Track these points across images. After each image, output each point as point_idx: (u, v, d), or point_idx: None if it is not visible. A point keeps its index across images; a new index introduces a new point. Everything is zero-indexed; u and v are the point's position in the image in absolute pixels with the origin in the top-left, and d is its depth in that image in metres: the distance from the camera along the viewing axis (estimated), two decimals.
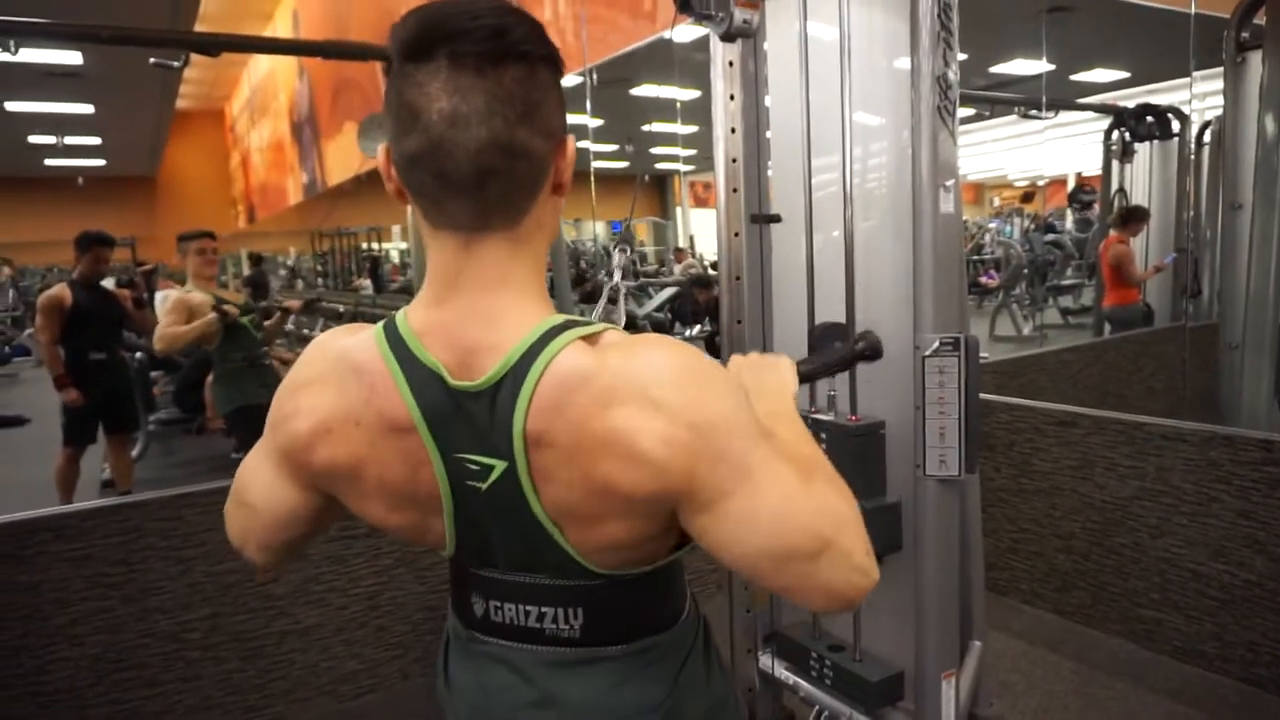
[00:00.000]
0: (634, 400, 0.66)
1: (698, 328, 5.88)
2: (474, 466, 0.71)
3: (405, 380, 0.71)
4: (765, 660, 1.79)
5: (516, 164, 0.68)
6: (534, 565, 0.76)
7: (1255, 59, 2.75)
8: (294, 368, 0.81)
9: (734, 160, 1.62)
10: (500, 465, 0.70)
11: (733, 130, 1.60)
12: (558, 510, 0.71)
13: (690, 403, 0.67)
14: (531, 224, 0.73)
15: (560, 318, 0.72)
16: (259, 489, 0.84)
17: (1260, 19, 2.76)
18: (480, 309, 0.71)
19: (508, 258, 0.72)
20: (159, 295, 3.82)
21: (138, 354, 5.37)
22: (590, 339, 0.70)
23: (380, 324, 0.75)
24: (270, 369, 3.88)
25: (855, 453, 1.52)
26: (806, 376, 1.13)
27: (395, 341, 0.72)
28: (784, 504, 0.68)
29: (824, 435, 1.56)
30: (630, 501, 0.69)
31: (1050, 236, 7.87)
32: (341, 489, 0.79)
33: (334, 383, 0.75)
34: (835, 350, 1.22)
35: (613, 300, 1.16)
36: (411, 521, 0.78)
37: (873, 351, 1.22)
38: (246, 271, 9.64)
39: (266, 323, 4.00)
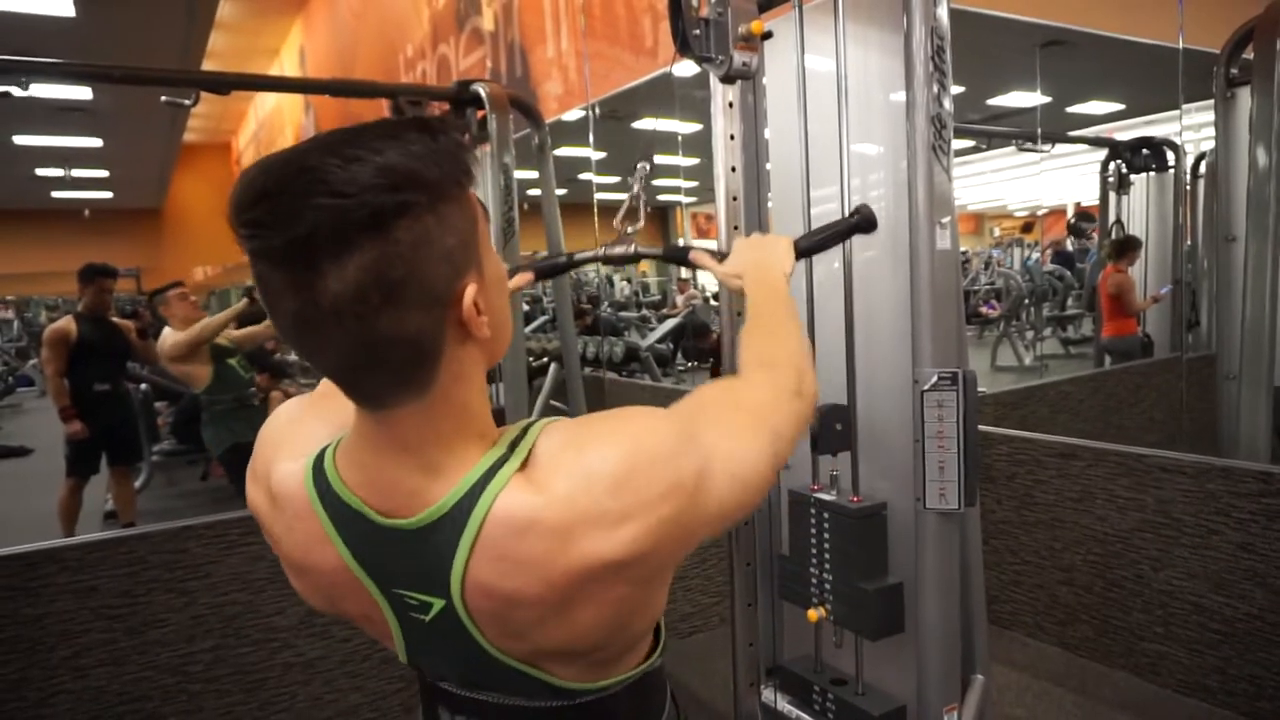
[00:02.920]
0: (595, 525, 0.62)
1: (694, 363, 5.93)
2: (413, 602, 0.68)
3: (330, 521, 0.68)
4: (768, 694, 1.79)
5: (389, 354, 0.60)
6: (492, 686, 0.72)
7: (1245, 94, 2.79)
8: (260, 434, 0.80)
9: (734, 198, 1.65)
10: (439, 603, 0.66)
11: (733, 169, 1.64)
12: (506, 643, 0.68)
13: (649, 487, 0.64)
14: (446, 384, 0.64)
15: (499, 450, 0.66)
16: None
17: (1249, 54, 2.81)
18: (410, 465, 0.66)
19: (427, 424, 0.65)
20: (165, 329, 3.85)
21: (142, 385, 5.40)
22: (525, 466, 0.65)
23: (311, 458, 0.71)
24: (259, 409, 3.90)
25: (857, 534, 1.53)
26: (804, 252, 1.20)
27: (321, 483, 0.69)
28: (747, 454, 0.73)
29: (826, 515, 1.58)
30: (629, 596, 0.67)
31: (1050, 266, 7.90)
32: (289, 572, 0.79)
33: (267, 492, 0.75)
34: (830, 225, 1.24)
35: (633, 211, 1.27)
36: (358, 621, 0.77)
37: (867, 224, 1.24)
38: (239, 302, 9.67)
39: (259, 378, 4.06)
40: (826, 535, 1.59)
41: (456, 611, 0.66)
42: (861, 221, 1.24)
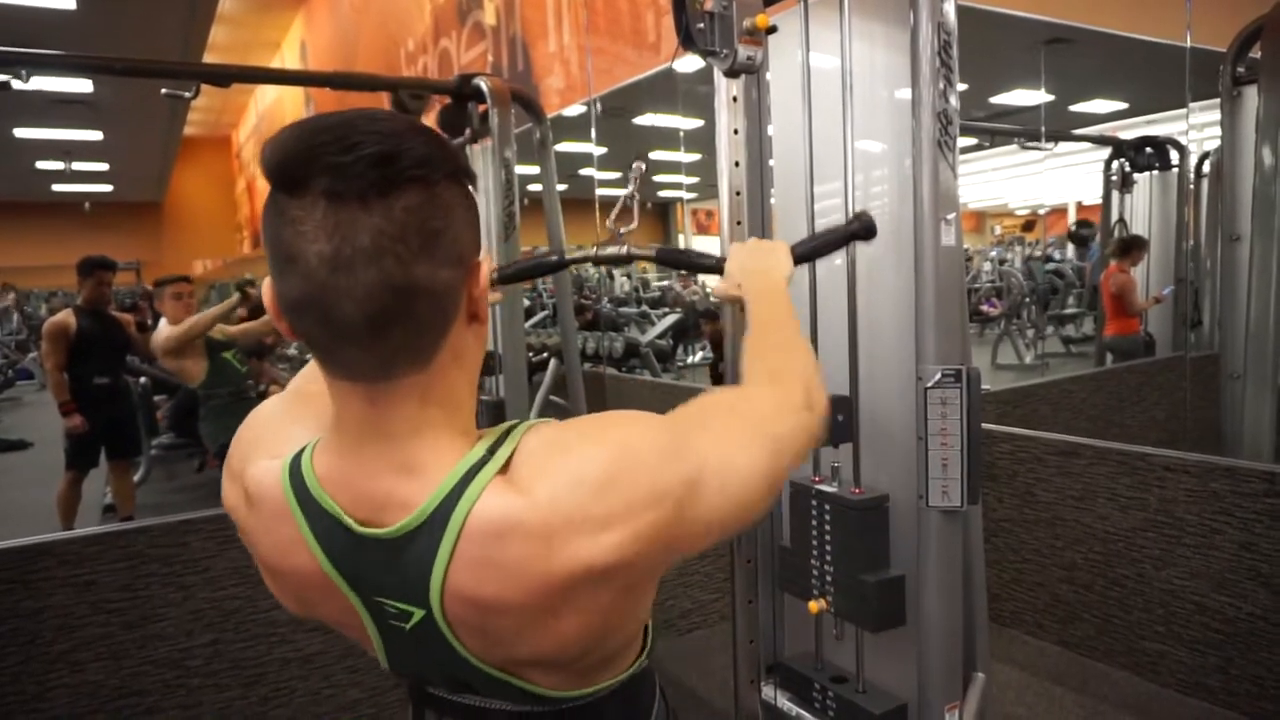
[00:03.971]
0: (578, 530, 0.61)
1: (700, 354, 5.91)
2: (393, 610, 0.66)
3: (308, 526, 0.66)
4: (768, 691, 1.78)
5: (416, 305, 0.60)
6: (478, 691, 0.71)
7: (1251, 92, 2.78)
8: (238, 435, 0.78)
9: (738, 193, 1.64)
10: (419, 612, 0.64)
11: (736, 164, 1.63)
12: (485, 651, 0.66)
13: (634, 492, 0.63)
14: (445, 361, 0.64)
15: (479, 451, 0.64)
16: None
17: (1256, 53, 2.80)
18: (392, 462, 0.64)
19: (418, 405, 0.64)
20: (162, 322, 3.85)
21: (141, 379, 5.39)
22: (506, 466, 0.64)
23: (287, 459, 0.69)
24: (255, 403, 3.90)
25: (859, 526, 1.53)
26: (802, 258, 1.18)
27: (298, 484, 0.67)
28: (744, 468, 0.71)
29: (828, 507, 1.57)
30: (613, 604, 0.65)
31: (1051, 266, 7.90)
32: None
33: (243, 492, 0.73)
34: (828, 231, 1.23)
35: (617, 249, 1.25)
36: (346, 633, 0.75)
37: (866, 232, 1.23)
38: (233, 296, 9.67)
39: (253, 361, 4.05)
40: (828, 527, 1.59)
41: (436, 621, 0.64)
42: (860, 229, 1.22)
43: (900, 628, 1.54)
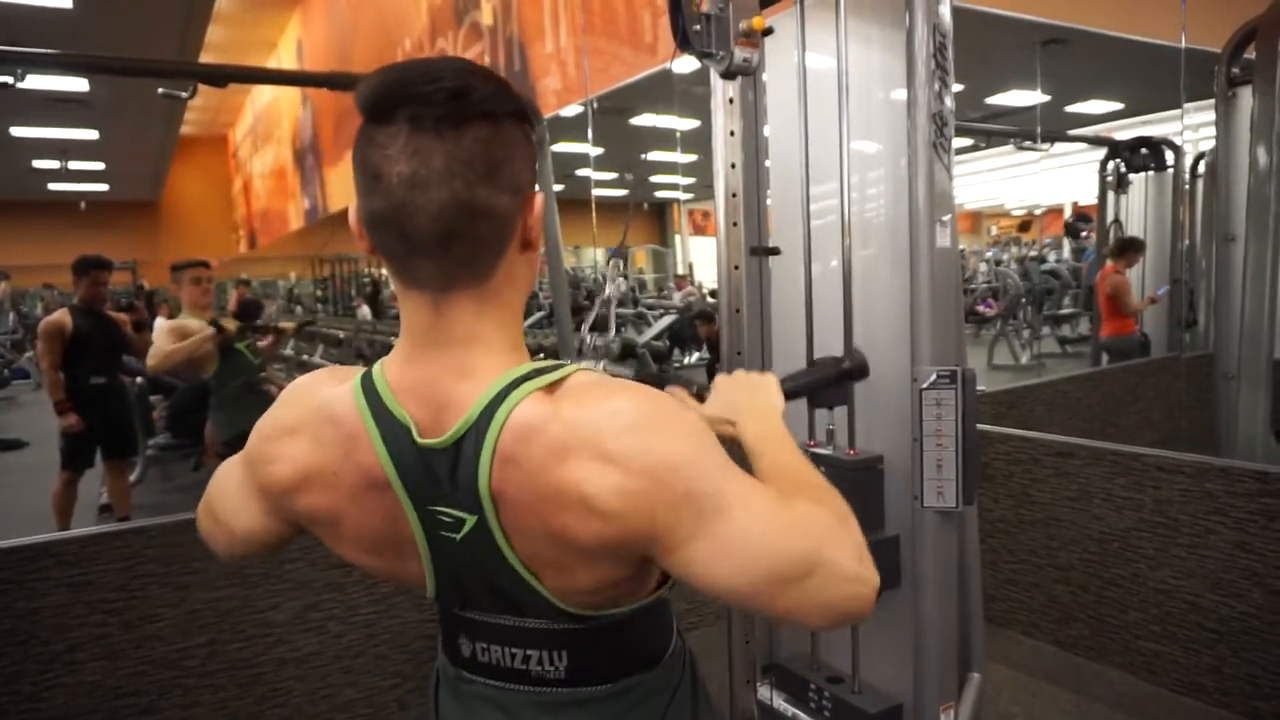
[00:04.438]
0: (586, 452, 0.66)
1: (696, 355, 5.92)
2: (447, 519, 0.72)
3: (380, 435, 0.72)
4: (764, 691, 1.79)
5: (479, 224, 0.68)
6: (516, 609, 0.76)
7: (1246, 94, 2.79)
8: (275, 406, 0.82)
9: (734, 195, 1.64)
10: (471, 519, 0.70)
11: (733, 165, 1.63)
12: (532, 558, 0.71)
13: (645, 450, 0.66)
14: (500, 280, 0.73)
15: (527, 367, 0.72)
16: (230, 509, 0.87)
17: (1250, 54, 2.81)
18: (451, 365, 0.71)
19: (475, 315, 0.72)
20: (157, 322, 3.84)
21: (138, 379, 5.38)
22: (552, 387, 0.70)
23: (358, 376, 0.75)
24: (268, 395, 3.89)
25: (853, 487, 1.53)
26: (792, 394, 1.14)
27: (371, 396, 0.73)
28: (763, 534, 0.67)
29: (822, 469, 1.57)
30: (592, 551, 0.69)
31: (1047, 266, 7.92)
32: (321, 531, 0.80)
33: (312, 432, 0.76)
34: (820, 368, 1.21)
35: (602, 319, 1.18)
36: (390, 565, 0.79)
37: (858, 371, 1.21)
38: (232, 296, 9.67)
39: (260, 343, 4.02)
40: None
41: (489, 525, 0.70)
42: (853, 369, 1.20)
43: (895, 626, 1.54)
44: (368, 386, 0.74)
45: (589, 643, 0.77)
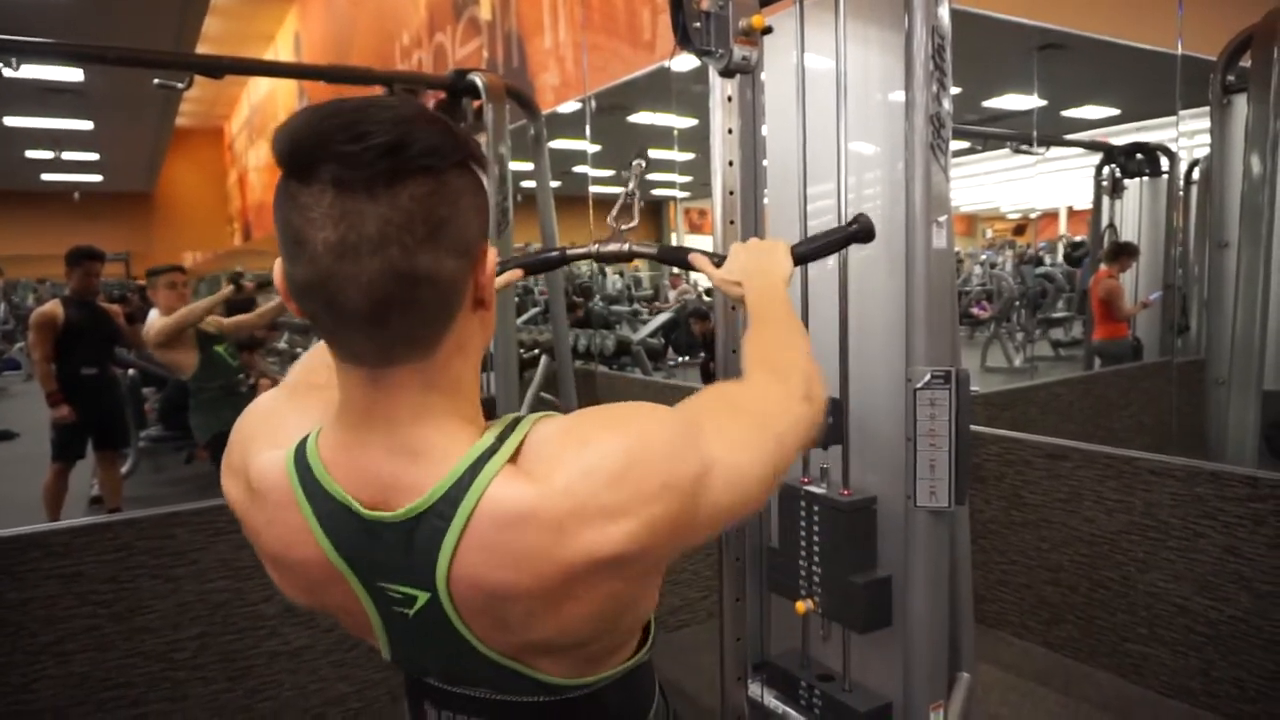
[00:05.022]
0: (591, 519, 0.62)
1: (686, 357, 5.94)
2: (396, 595, 0.67)
3: (314, 515, 0.67)
4: (754, 688, 1.79)
5: (419, 292, 0.60)
6: (479, 682, 0.71)
7: (1241, 101, 2.80)
8: (235, 430, 0.78)
9: (731, 192, 1.65)
10: (423, 596, 0.65)
11: (730, 163, 1.63)
12: (490, 637, 0.67)
13: (643, 483, 0.63)
14: (449, 350, 0.65)
15: (488, 440, 0.65)
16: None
17: (1246, 62, 2.82)
18: (396, 445, 0.65)
19: (422, 392, 0.64)
20: (151, 314, 3.82)
21: (130, 370, 5.36)
22: (516, 458, 0.64)
23: (292, 449, 0.69)
24: (247, 396, 3.88)
25: (847, 528, 1.54)
26: (801, 258, 1.18)
27: (304, 472, 0.67)
28: (751, 466, 0.73)
29: (816, 508, 1.59)
30: (622, 590, 0.66)
31: (1042, 270, 7.94)
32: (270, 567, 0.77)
33: (250, 490, 0.73)
34: (829, 232, 1.23)
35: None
36: (345, 624, 0.75)
37: (865, 234, 1.23)
38: (225, 288, 9.65)
39: (244, 354, 4.03)
40: (816, 528, 1.60)
41: (442, 605, 0.64)
42: (859, 230, 1.23)
43: (886, 628, 1.55)
44: (300, 462, 0.68)
45: (562, 716, 0.72)
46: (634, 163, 1.33)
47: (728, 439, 0.72)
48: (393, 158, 0.58)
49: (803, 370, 0.89)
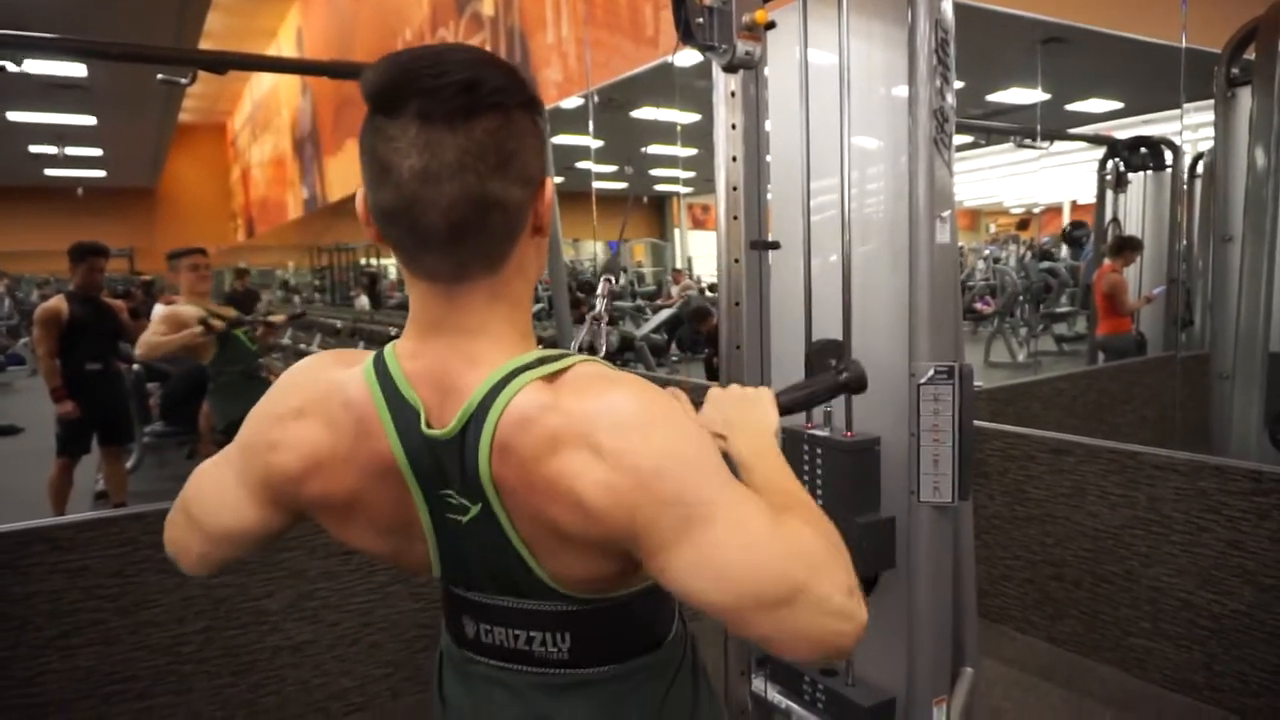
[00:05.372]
0: (578, 444, 0.66)
1: (688, 352, 5.94)
2: (453, 502, 0.72)
3: (392, 420, 0.72)
4: (758, 683, 1.80)
5: (491, 216, 0.68)
6: (518, 591, 0.76)
7: (1245, 94, 2.80)
8: (275, 391, 0.80)
9: (734, 188, 1.64)
10: (475, 506, 0.71)
11: (734, 158, 1.63)
12: (533, 542, 0.72)
13: (637, 447, 0.65)
14: (512, 269, 0.73)
15: (532, 354, 0.71)
16: (215, 505, 0.82)
17: (1250, 55, 2.81)
18: (460, 353, 0.71)
19: (486, 305, 0.72)
20: (156, 308, 3.83)
21: (134, 365, 5.37)
22: (553, 377, 0.70)
23: (370, 359, 0.75)
24: (266, 382, 3.88)
25: (850, 468, 1.54)
26: (786, 409, 1.07)
27: (385, 379, 0.73)
28: (746, 549, 0.65)
29: (819, 450, 1.58)
30: (579, 543, 0.70)
31: (1046, 264, 7.92)
32: (327, 517, 0.79)
33: (324, 416, 0.75)
34: (816, 380, 1.16)
35: (593, 337, 1.10)
36: (396, 548, 0.79)
37: (857, 384, 1.15)
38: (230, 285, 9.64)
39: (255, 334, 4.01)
40: (819, 470, 1.59)
41: (493, 510, 0.70)
42: (850, 380, 1.14)
43: (889, 620, 1.55)
44: (380, 370, 0.73)
45: (591, 625, 0.77)
46: (601, 279, 1.17)
47: (741, 512, 0.67)
48: (469, 94, 0.65)
49: (850, 570, 0.71)
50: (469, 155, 0.65)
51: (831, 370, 1.17)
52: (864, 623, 0.67)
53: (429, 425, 0.70)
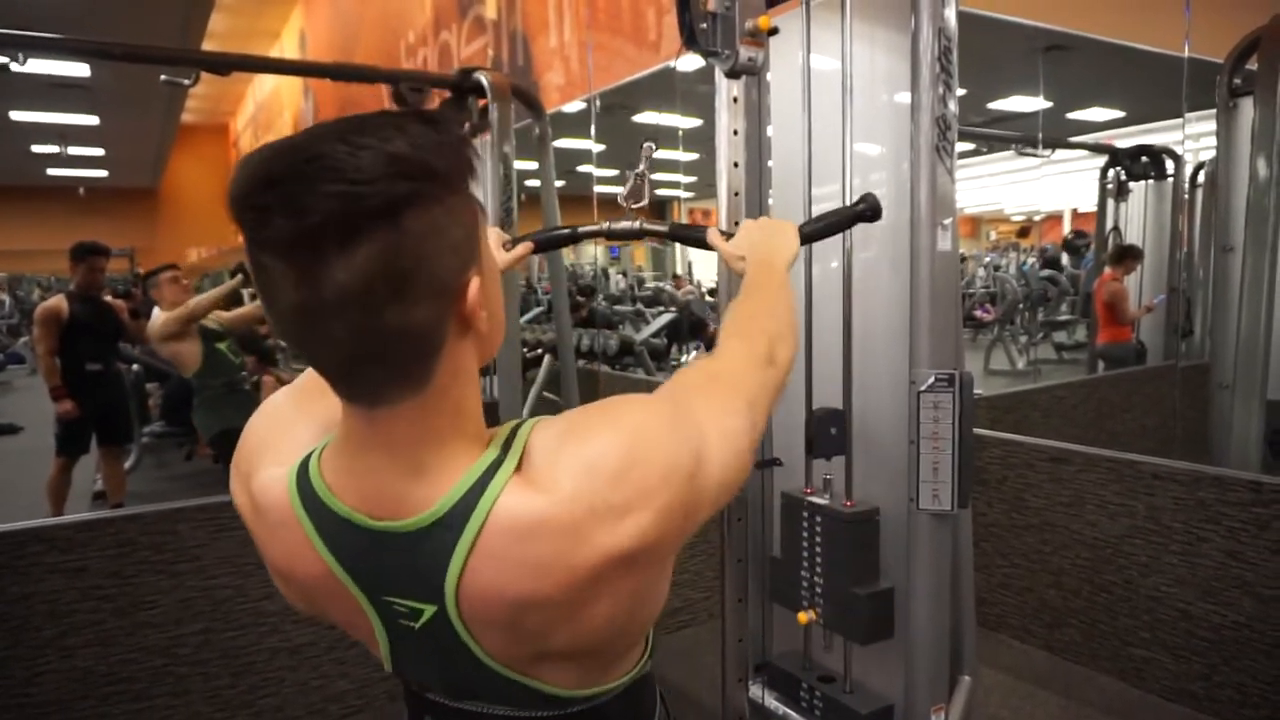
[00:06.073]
0: (602, 519, 0.61)
1: (694, 354, 5.92)
2: (402, 609, 0.66)
3: (316, 530, 0.66)
4: (755, 690, 1.79)
5: (393, 347, 0.58)
6: (483, 696, 0.71)
7: (1247, 104, 2.79)
8: (248, 429, 0.77)
9: (736, 194, 1.65)
10: (430, 609, 0.64)
11: (735, 164, 1.63)
12: (497, 649, 0.66)
13: (651, 475, 0.64)
14: (444, 378, 0.63)
15: (492, 453, 0.64)
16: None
17: (1253, 65, 2.82)
18: (401, 466, 0.64)
19: (421, 420, 0.63)
20: (155, 310, 3.84)
21: (133, 366, 5.37)
22: (521, 467, 0.64)
23: (294, 469, 0.68)
24: (249, 394, 3.90)
25: (849, 539, 1.54)
26: (808, 237, 1.19)
27: (306, 493, 0.67)
28: (736, 430, 0.74)
29: (819, 519, 1.59)
30: (640, 583, 0.67)
31: (1047, 272, 7.92)
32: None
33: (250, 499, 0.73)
34: (836, 212, 1.24)
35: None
36: (347, 630, 0.75)
37: (872, 212, 1.23)
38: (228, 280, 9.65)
39: (247, 361, 4.06)
40: (819, 539, 1.59)
41: (449, 618, 0.64)
42: (866, 210, 1.23)
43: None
44: (302, 481, 0.67)
45: None
46: (644, 145, 1.35)
47: (713, 411, 0.73)
48: (346, 210, 0.53)
49: (766, 331, 0.89)
50: (349, 291, 0.54)
51: (849, 207, 1.26)
52: (788, 363, 0.89)
53: (376, 520, 0.64)
